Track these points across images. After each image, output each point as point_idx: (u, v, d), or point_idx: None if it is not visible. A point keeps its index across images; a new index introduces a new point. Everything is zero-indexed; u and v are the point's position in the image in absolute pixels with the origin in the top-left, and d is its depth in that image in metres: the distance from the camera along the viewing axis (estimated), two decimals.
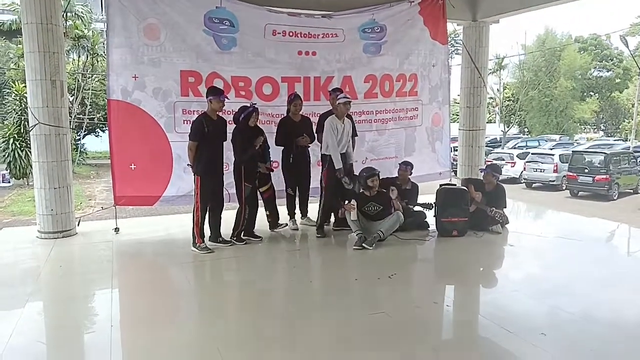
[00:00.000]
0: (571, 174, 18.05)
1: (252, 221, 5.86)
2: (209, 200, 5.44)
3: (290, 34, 6.59)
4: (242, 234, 5.76)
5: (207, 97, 5.38)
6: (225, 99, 5.45)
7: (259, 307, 4.07)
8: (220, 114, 5.49)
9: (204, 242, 5.44)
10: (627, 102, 38.21)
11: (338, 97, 5.92)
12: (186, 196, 6.11)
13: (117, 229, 6.25)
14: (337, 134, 5.80)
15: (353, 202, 5.69)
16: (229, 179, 5.85)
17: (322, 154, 6.04)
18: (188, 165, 5.46)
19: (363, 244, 5.50)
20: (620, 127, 39.01)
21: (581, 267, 5.10)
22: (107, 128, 6.44)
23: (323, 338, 3.49)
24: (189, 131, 5.36)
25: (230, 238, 5.68)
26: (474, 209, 6.16)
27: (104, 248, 5.69)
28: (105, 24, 5.94)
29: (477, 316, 4.04)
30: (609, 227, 7.80)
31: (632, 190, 17.87)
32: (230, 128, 5.64)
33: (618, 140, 31.64)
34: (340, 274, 5.09)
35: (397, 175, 6.49)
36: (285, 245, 6.05)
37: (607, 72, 40.22)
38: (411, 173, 6.47)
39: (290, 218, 6.46)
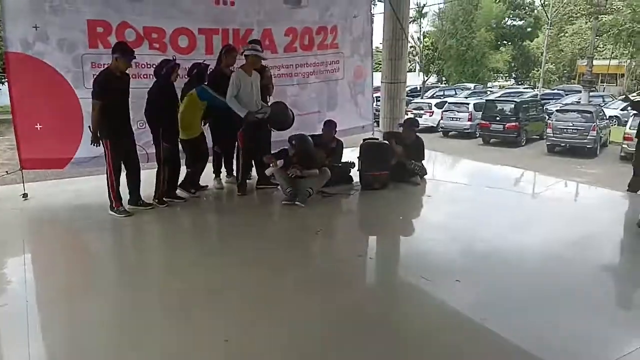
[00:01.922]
0: (484, 122, 18.89)
1: (173, 182, 5.67)
2: (122, 162, 5.18)
3: None
4: (163, 196, 5.58)
5: (112, 54, 5.00)
6: (133, 59, 5.11)
7: (184, 270, 4.00)
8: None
9: (122, 205, 5.23)
10: (537, 51, 40.25)
11: (244, 48, 5.72)
12: (100, 157, 5.68)
13: (25, 195, 5.83)
14: (244, 88, 5.61)
15: (280, 162, 5.63)
16: (147, 137, 5.60)
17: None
18: (88, 127, 5.09)
19: (296, 201, 5.47)
20: (530, 75, 41.20)
21: (492, 213, 5.47)
22: (6, 82, 5.87)
23: (250, 293, 3.53)
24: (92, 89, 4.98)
25: (153, 200, 5.49)
26: (395, 162, 6.35)
27: (13, 216, 5.32)
28: None
29: (397, 265, 4.26)
30: (517, 173, 8.36)
31: (538, 137, 19.02)
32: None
33: (527, 88, 33.38)
34: (266, 230, 5.11)
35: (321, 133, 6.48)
36: (211, 205, 5.96)
37: (520, 21, 41.98)
38: (335, 132, 6.48)
39: (216, 177, 6.34)
